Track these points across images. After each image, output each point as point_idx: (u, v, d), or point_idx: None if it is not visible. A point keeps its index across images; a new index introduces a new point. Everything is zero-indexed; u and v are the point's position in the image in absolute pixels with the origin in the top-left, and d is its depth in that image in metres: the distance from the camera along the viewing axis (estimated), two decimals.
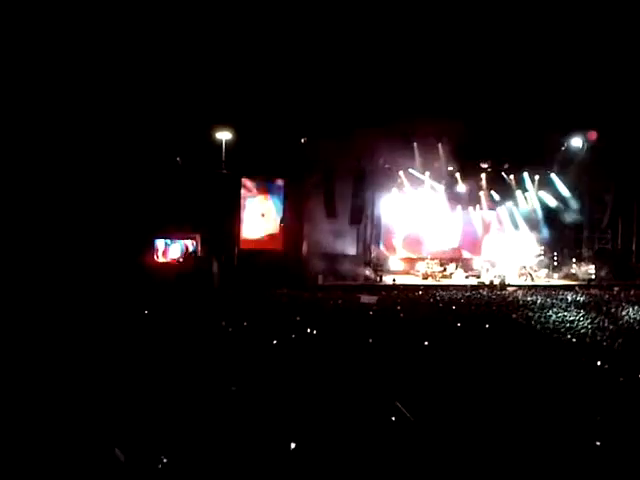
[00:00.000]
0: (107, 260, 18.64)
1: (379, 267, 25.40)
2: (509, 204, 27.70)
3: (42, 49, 18.88)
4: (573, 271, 26.43)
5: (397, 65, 20.90)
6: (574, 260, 26.81)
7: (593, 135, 25.09)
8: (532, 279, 25.32)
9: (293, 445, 4.61)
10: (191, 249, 22.16)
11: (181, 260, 21.75)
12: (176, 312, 13.57)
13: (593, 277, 25.42)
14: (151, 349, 8.78)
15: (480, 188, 27.33)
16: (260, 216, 24.64)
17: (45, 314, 12.08)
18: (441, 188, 26.92)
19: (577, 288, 22.62)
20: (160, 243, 22.09)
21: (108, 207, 20.46)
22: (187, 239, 22.05)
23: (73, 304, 13.72)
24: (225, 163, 23.33)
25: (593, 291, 21.51)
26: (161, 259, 21.92)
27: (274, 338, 10.02)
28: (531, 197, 27.44)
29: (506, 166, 26.58)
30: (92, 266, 18.06)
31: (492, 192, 27.48)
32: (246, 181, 24.56)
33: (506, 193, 27.49)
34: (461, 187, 27.11)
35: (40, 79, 19.15)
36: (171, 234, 22.24)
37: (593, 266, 26.00)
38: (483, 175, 27.04)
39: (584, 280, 25.12)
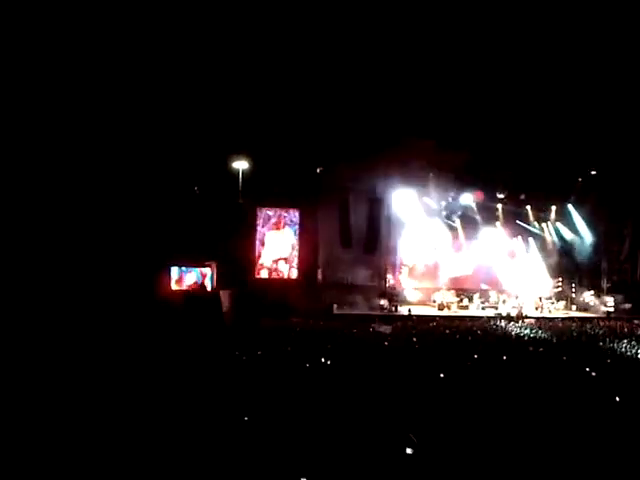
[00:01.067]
0: (121, 285, 18.74)
1: (394, 297, 25.27)
2: (526, 235, 27.54)
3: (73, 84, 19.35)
4: (591, 303, 26.06)
5: (413, 94, 21.09)
6: (592, 292, 26.47)
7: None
8: (549, 311, 24.99)
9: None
10: (206, 278, 22.20)
11: (191, 289, 21.79)
12: (185, 340, 13.56)
13: (612, 309, 25.01)
14: (156, 376, 8.74)
15: (497, 219, 27.26)
16: (275, 245, 24.74)
17: (55, 335, 12.15)
18: (457, 218, 26.91)
19: (596, 321, 22.27)
20: (175, 271, 22.19)
21: (126, 233, 20.68)
22: (203, 267, 22.13)
23: (83, 325, 13.77)
24: (242, 192, 23.57)
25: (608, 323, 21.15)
26: (175, 286, 21.99)
27: (288, 367, 9.96)
28: (548, 228, 27.31)
29: (522, 197, 26.51)
30: (105, 290, 18.17)
31: (509, 223, 27.35)
32: (262, 210, 24.75)
33: (523, 224, 27.36)
34: (477, 217, 27.05)
35: (65, 108, 19.58)
36: (187, 262, 22.36)
37: (612, 298, 25.62)
38: (499, 205, 26.99)
39: (603, 312, 24.73)
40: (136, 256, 20.08)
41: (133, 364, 9.59)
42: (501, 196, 26.62)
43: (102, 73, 19.60)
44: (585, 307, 25.92)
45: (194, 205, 22.36)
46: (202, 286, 21.98)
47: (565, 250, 27.15)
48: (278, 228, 24.81)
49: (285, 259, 24.69)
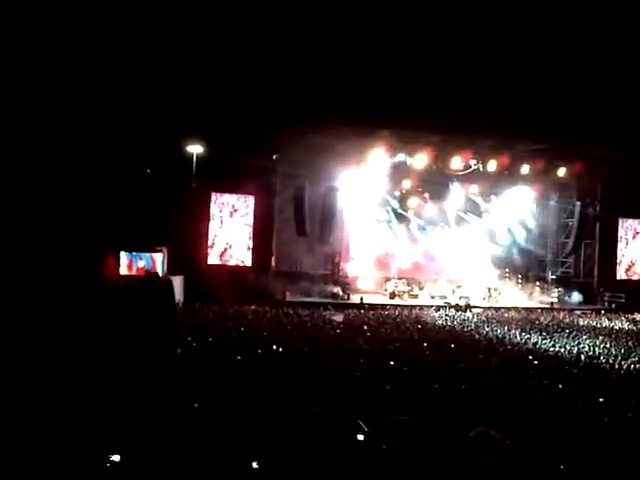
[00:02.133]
0: (67, 269, 18.22)
1: (347, 285, 25.47)
2: (476, 225, 28.17)
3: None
4: (536, 294, 26.93)
5: (374, 81, 21.14)
6: (538, 283, 27.34)
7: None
8: (496, 301, 25.67)
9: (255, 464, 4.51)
10: (156, 263, 21.75)
11: (140, 274, 21.34)
12: (131, 325, 13.29)
13: (556, 300, 25.90)
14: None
15: (448, 209, 27.79)
16: (229, 232, 24.51)
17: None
18: (411, 207, 27.34)
19: (539, 311, 23.03)
20: (124, 255, 21.70)
21: (74, 215, 20.10)
22: (154, 252, 21.70)
23: (26, 312, 13.32)
24: (195, 177, 23.22)
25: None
26: (125, 272, 21.50)
27: (237, 354, 9.92)
28: (499, 220, 28.01)
29: (475, 187, 27.09)
30: (50, 274, 17.63)
31: (460, 212, 27.92)
32: (216, 196, 24.46)
33: (474, 214, 27.98)
34: (430, 207, 27.55)
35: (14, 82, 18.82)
36: (138, 247, 21.88)
37: (556, 290, 26.53)
38: (451, 196, 27.52)
39: (547, 303, 25.58)
40: (82, 240, 19.53)
41: (79, 352, 9.34)
42: (452, 187, 27.18)
43: (55, 51, 18.91)
44: (530, 298, 26.73)
45: (147, 188, 21.88)
46: (152, 272, 21.53)
47: (513, 241, 27.91)
48: (232, 214, 24.58)
49: (239, 246, 24.50)
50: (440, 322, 18.43)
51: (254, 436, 4.67)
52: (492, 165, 25.65)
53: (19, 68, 18.55)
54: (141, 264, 21.65)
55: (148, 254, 21.75)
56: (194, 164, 23.08)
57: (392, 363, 9.85)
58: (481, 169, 25.92)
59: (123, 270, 21.28)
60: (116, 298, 17.37)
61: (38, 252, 18.69)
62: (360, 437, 4.81)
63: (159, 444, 4.67)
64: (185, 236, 22.50)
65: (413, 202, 27.58)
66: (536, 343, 14.21)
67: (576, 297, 26.08)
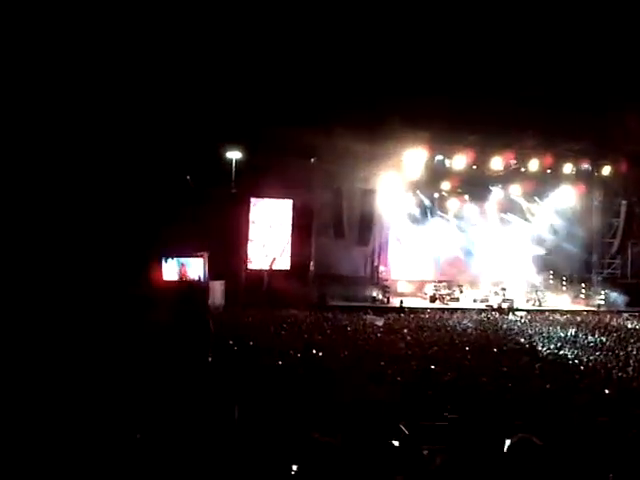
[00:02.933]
0: (113, 277, 18.66)
1: (386, 288, 25.32)
2: (519, 226, 27.63)
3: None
4: (582, 296, 26.24)
5: (408, 87, 21.03)
6: (583, 285, 26.63)
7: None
8: (540, 304, 25.12)
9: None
10: (198, 271, 22.02)
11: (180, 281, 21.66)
12: (174, 329, 13.53)
13: (602, 303, 25.19)
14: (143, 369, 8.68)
15: (490, 210, 27.33)
16: (268, 236, 24.70)
17: (43, 325, 12.07)
18: (450, 209, 27.02)
19: (585, 313, 22.44)
20: (168, 261, 22.11)
21: (117, 223, 20.58)
22: (195, 258, 22.05)
23: (72, 318, 13.68)
24: (235, 183, 23.49)
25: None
26: (169, 277, 21.90)
27: (278, 358, 9.99)
28: (542, 221, 27.42)
29: (518, 187, 26.59)
30: (96, 282, 18.08)
31: (503, 214, 27.43)
32: (255, 201, 24.69)
33: (516, 215, 27.45)
34: (471, 208, 27.13)
35: (55, 96, 19.42)
36: (180, 253, 22.26)
37: (603, 292, 25.79)
38: (493, 197, 27.07)
39: (593, 306, 24.91)
40: (127, 248, 19.97)
41: (125, 360, 9.54)
42: (494, 189, 26.77)
43: (92, 65, 19.42)
44: (576, 300, 26.06)
45: (187, 195, 22.25)
46: (186, 281, 21.71)
47: (557, 243, 27.26)
48: (271, 219, 24.76)
49: (278, 250, 24.65)
50: (482, 326, 18.15)
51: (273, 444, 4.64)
52: (534, 165, 25.17)
53: (47, 71, 19.04)
54: (184, 270, 22.04)
55: (190, 259, 22.13)
56: (233, 170, 23.35)
57: (433, 367, 9.77)
58: (523, 169, 25.50)
59: (167, 276, 21.69)
60: (161, 304, 17.73)
61: (82, 259, 19.22)
62: (395, 443, 4.76)
63: (180, 445, 4.72)
64: (225, 241, 22.78)
65: (453, 204, 27.19)
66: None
67: (623, 299, 25.28)
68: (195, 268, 22.11)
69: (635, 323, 19.77)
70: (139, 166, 21.01)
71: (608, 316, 21.70)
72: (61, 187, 20.03)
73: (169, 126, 20.99)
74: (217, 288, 21.81)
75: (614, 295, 25.50)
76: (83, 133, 20.24)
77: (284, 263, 24.56)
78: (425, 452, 4.86)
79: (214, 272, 21.81)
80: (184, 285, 20.85)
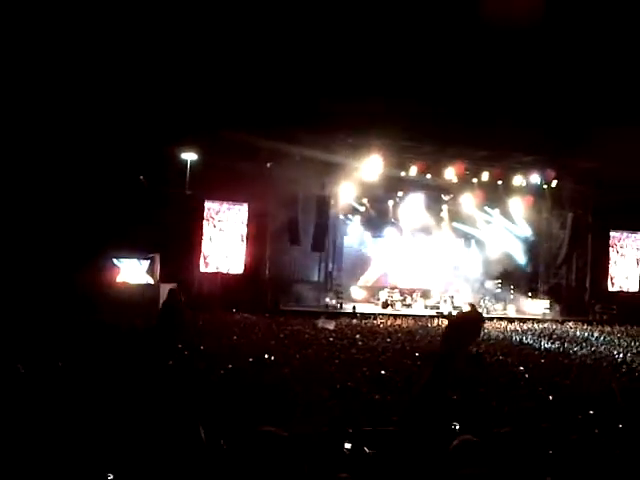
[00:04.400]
0: (63, 277, 18.17)
1: (340, 294, 25.48)
2: (469, 236, 28.28)
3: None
4: (529, 305, 27.00)
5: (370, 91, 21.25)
6: (530, 294, 27.41)
7: (550, 175, 26.03)
8: (488, 311, 25.71)
9: None
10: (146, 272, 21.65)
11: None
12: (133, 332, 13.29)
13: (548, 311, 25.99)
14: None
15: (442, 219, 27.90)
16: (222, 239, 24.49)
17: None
18: (403, 217, 27.42)
19: (531, 322, 23.09)
20: (118, 263, 21.66)
21: (68, 222, 20.07)
22: (146, 259, 21.66)
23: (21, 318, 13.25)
24: (189, 184, 23.22)
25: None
26: (120, 279, 21.47)
27: (228, 362, 9.89)
28: (492, 231, 28.12)
29: (469, 198, 27.20)
30: (45, 282, 17.57)
31: (453, 224, 28.01)
32: (209, 203, 24.44)
33: (467, 225, 28.07)
34: (423, 217, 27.58)
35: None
36: (131, 254, 21.83)
37: (548, 301, 26.60)
38: (445, 207, 27.63)
39: (538, 314, 25.65)
40: (78, 248, 19.48)
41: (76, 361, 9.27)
42: (446, 198, 27.33)
43: (46, 60, 18.92)
44: (522, 309, 26.79)
45: (140, 195, 21.87)
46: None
47: (505, 252, 27.99)
48: (225, 222, 24.57)
49: (231, 253, 24.47)
50: (433, 332, 18.43)
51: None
52: (485, 176, 25.82)
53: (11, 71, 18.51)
54: (135, 272, 21.63)
55: (141, 260, 21.74)
56: (188, 171, 23.09)
57: (383, 373, 9.86)
58: (474, 180, 26.14)
59: (119, 277, 21.27)
60: (114, 307, 17.34)
61: (32, 259, 18.64)
62: (347, 446, 4.79)
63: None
64: (178, 243, 22.48)
65: (406, 212, 27.62)
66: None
67: (567, 308, 26.15)
68: (144, 269, 21.71)
69: (578, 331, 20.46)
70: (92, 165, 20.55)
71: (553, 324, 22.38)
72: (10, 186, 19.41)
73: (123, 125, 20.61)
74: (166, 291, 21.44)
75: (559, 304, 26.36)
76: (35, 129, 19.67)
77: (238, 267, 24.39)
78: (369, 452, 4.91)
79: (165, 274, 21.45)
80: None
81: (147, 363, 9.12)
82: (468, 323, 3.68)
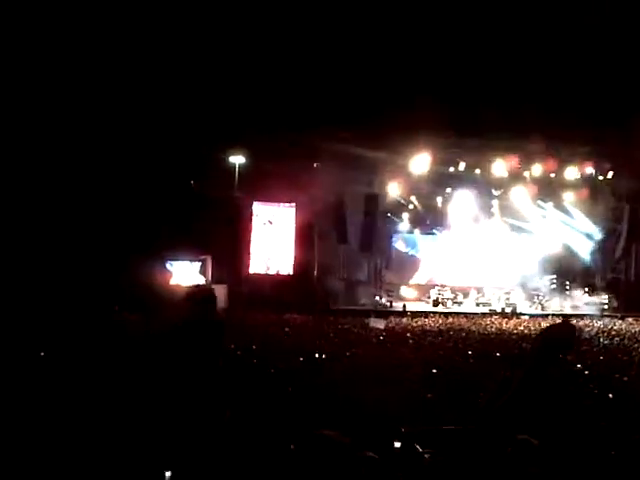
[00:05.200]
0: (117, 281, 18.73)
1: (390, 293, 25.33)
2: (523, 231, 27.60)
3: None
4: (585, 301, 26.16)
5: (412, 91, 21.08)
6: (586, 289, 26.56)
7: (605, 166, 25.17)
8: (543, 308, 25.10)
9: None
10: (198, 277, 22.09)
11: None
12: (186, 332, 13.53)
13: (606, 307, 25.14)
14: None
15: (492, 215, 27.34)
16: (271, 240, 24.74)
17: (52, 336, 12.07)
18: (453, 215, 27.04)
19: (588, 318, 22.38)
20: (172, 265, 22.20)
21: (121, 228, 20.67)
22: (198, 261, 22.14)
23: (78, 325, 13.70)
24: (238, 187, 23.56)
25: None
26: (174, 282, 21.98)
27: (280, 361, 9.99)
28: (545, 226, 27.39)
29: (523, 192, 26.57)
30: (100, 286, 18.14)
31: (506, 219, 27.40)
32: (258, 205, 24.74)
33: (521, 220, 27.41)
34: (475, 212, 27.06)
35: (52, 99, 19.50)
36: (183, 257, 22.34)
37: (606, 296, 25.72)
38: (495, 202, 27.07)
39: (597, 310, 24.84)
40: (132, 253, 20.03)
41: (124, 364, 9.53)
42: (496, 193, 26.78)
43: (94, 67, 19.53)
44: (578, 305, 25.99)
45: (190, 199, 22.35)
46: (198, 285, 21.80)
47: (561, 247, 27.22)
48: (274, 223, 24.82)
49: (281, 254, 24.69)
50: (485, 330, 18.13)
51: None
52: (537, 169, 25.18)
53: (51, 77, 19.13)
54: (187, 274, 22.12)
55: (193, 263, 22.22)
56: (236, 174, 23.43)
57: (434, 371, 9.77)
58: (526, 174, 25.51)
59: (173, 280, 21.80)
60: (170, 308, 17.73)
61: (86, 264, 19.28)
62: (397, 444, 4.77)
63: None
64: (228, 245, 22.86)
65: (456, 208, 27.19)
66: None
67: (626, 304, 25.21)
68: (196, 271, 22.19)
69: (637, 327, 19.70)
70: (143, 171, 21.11)
71: (611, 320, 21.64)
72: (65, 191, 20.12)
73: (172, 131, 21.09)
74: (220, 292, 21.85)
75: (617, 299, 25.45)
76: (86, 136, 20.34)
77: (287, 268, 24.59)
78: (426, 455, 4.87)
79: (216, 276, 21.88)
80: (196, 289, 20.85)
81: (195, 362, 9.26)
82: (561, 335, 3.61)
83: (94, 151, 20.53)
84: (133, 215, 21.16)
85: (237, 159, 23.42)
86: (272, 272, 24.40)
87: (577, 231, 27.19)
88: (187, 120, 21.03)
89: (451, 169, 24.95)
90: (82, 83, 19.63)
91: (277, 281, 23.82)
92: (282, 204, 24.72)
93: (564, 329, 3.75)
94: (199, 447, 4.74)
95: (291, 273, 24.47)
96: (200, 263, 22.08)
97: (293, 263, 24.53)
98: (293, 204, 24.62)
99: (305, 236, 24.47)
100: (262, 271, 24.41)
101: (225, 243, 22.58)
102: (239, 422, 5.80)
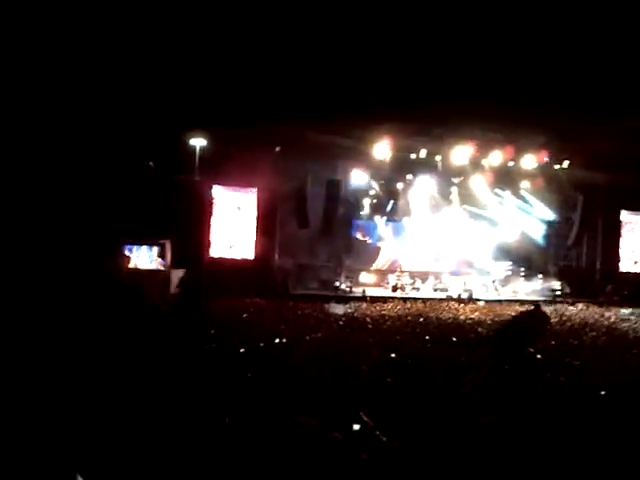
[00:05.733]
0: (74, 264, 18.30)
1: (350, 278, 25.52)
2: (480, 217, 28.12)
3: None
4: (539, 287, 26.91)
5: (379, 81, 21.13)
6: (540, 276, 27.31)
7: (561, 156, 25.79)
8: (499, 294, 25.69)
9: None
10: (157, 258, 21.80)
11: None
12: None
13: (558, 293, 25.90)
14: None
15: (451, 202, 27.77)
16: (231, 225, 24.55)
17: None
18: (414, 201, 27.35)
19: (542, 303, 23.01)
20: (130, 249, 21.81)
21: (77, 209, 20.17)
22: (156, 245, 21.79)
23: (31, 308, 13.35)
24: (199, 170, 23.24)
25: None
26: (131, 265, 21.62)
27: (240, 347, 9.98)
28: (502, 213, 27.97)
29: (480, 179, 27.02)
30: (59, 270, 17.70)
31: (464, 206, 27.87)
32: (219, 189, 24.47)
33: (477, 207, 27.91)
34: (434, 200, 27.48)
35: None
36: (140, 240, 21.95)
37: (558, 282, 26.50)
38: (454, 189, 27.49)
39: (549, 296, 25.57)
40: (89, 235, 19.59)
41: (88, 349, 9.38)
42: (456, 180, 27.17)
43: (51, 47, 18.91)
44: (533, 291, 26.70)
45: (149, 181, 21.93)
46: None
47: (516, 234, 27.87)
48: (234, 207, 24.61)
49: (241, 239, 24.54)
50: (444, 315, 18.46)
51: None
52: (495, 157, 25.62)
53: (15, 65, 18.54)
54: (145, 257, 21.78)
55: (151, 247, 21.88)
56: (197, 157, 23.10)
57: (393, 356, 9.91)
58: (484, 162, 25.94)
59: (130, 264, 21.44)
60: (126, 293, 17.48)
61: (44, 249, 18.77)
62: (356, 427, 4.82)
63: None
64: (187, 230, 22.56)
65: (416, 194, 27.54)
66: None
67: (578, 290, 26.04)
68: (155, 256, 21.86)
69: (587, 312, 20.39)
70: (98, 150, 20.60)
71: (563, 306, 22.32)
72: (16, 171, 19.49)
73: (133, 112, 20.62)
74: (179, 276, 21.65)
75: (569, 286, 26.26)
76: (41, 114, 19.72)
77: (247, 252, 24.47)
78: (384, 439, 4.95)
79: (176, 260, 21.60)
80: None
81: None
82: (533, 320, 3.69)
83: (48, 129, 19.91)
84: (88, 197, 20.66)
85: (198, 142, 23.07)
86: (233, 257, 24.24)
87: (534, 218, 27.88)
88: (147, 100, 20.58)
89: (412, 156, 25.17)
90: (39, 61, 18.98)
91: (238, 266, 23.68)
92: (244, 188, 24.50)
93: (537, 315, 3.86)
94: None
95: (252, 258, 24.36)
96: (159, 247, 21.72)
97: (254, 248, 24.40)
98: (255, 189, 24.43)
99: (266, 221, 24.37)
100: (222, 256, 24.22)
101: (185, 227, 22.27)
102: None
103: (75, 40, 19.00)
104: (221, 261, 23.96)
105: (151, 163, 22.38)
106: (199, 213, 23.32)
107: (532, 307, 8.78)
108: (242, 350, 9.70)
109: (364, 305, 20.60)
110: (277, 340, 11.29)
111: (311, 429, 3.05)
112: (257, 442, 3.94)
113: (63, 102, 19.87)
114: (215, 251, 24.25)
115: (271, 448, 3.45)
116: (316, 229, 24.94)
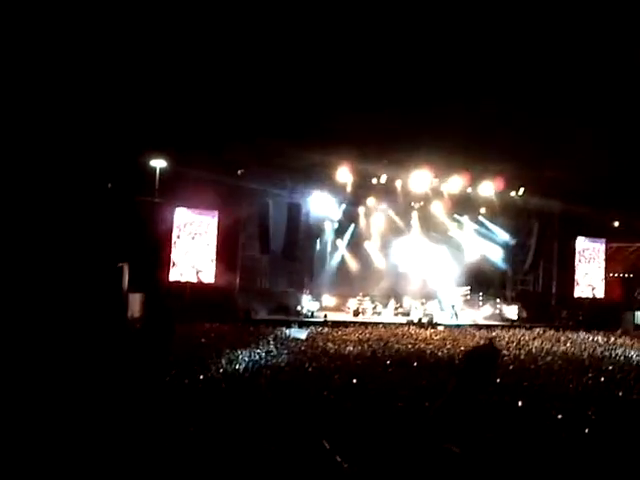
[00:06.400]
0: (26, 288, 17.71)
1: (312, 302, 25.41)
2: (440, 243, 28.52)
3: None
4: (497, 311, 27.35)
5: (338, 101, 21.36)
6: (498, 300, 27.78)
7: (517, 183, 26.50)
8: (457, 318, 25.98)
9: None
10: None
11: None
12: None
13: (515, 317, 26.35)
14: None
15: (411, 227, 28.13)
16: (192, 248, 24.20)
17: None
18: (375, 224, 27.60)
19: (500, 328, 23.37)
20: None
21: (28, 232, 19.59)
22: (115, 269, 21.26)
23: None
24: (158, 192, 22.93)
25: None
26: None
27: (199, 372, 9.78)
28: (461, 238, 28.45)
29: (439, 205, 27.47)
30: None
31: (425, 230, 28.24)
32: (179, 211, 24.17)
33: (437, 232, 28.33)
34: (394, 225, 27.78)
35: None
36: (99, 264, 21.38)
37: (516, 307, 26.98)
38: (414, 213, 27.88)
39: (507, 320, 26.00)
40: (39, 258, 19.00)
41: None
42: (416, 205, 27.59)
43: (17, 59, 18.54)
44: (492, 315, 27.11)
45: (107, 203, 21.48)
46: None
47: (474, 259, 28.33)
48: (195, 230, 24.29)
49: (202, 262, 24.19)
50: (405, 340, 18.52)
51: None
52: (454, 184, 26.13)
53: None
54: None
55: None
56: (157, 179, 22.81)
57: (355, 381, 9.86)
58: (443, 188, 26.45)
59: None
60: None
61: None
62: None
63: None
64: (147, 252, 22.12)
65: (377, 219, 27.84)
66: None
67: (535, 314, 26.56)
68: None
69: (544, 337, 20.76)
70: (54, 169, 20.12)
71: (520, 330, 22.66)
72: None
73: (91, 131, 20.27)
74: (137, 301, 21.17)
75: (526, 310, 26.76)
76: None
77: (208, 276, 24.13)
78: (345, 465, 4.89)
79: (134, 284, 21.10)
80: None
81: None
82: (486, 356, 3.71)
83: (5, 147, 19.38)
84: (43, 218, 20.10)
85: (158, 163, 22.80)
86: (193, 280, 23.85)
87: (492, 243, 28.46)
88: (107, 121, 20.29)
89: (373, 181, 25.49)
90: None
91: (198, 290, 23.30)
92: (204, 211, 24.23)
93: (489, 351, 3.89)
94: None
95: (213, 282, 24.02)
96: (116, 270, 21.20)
97: (215, 272, 24.08)
98: (216, 212, 24.20)
99: (227, 244, 24.13)
100: (182, 279, 23.81)
101: (144, 250, 21.83)
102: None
103: (37, 57, 18.67)
104: (181, 285, 23.55)
105: (109, 184, 21.96)
106: (159, 236, 22.94)
107: (486, 341, 8.93)
108: (201, 377, 9.49)
109: (325, 329, 20.51)
110: (238, 366, 11.12)
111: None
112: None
113: (21, 121, 19.41)
114: (175, 275, 23.83)
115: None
116: (278, 253, 24.84)
